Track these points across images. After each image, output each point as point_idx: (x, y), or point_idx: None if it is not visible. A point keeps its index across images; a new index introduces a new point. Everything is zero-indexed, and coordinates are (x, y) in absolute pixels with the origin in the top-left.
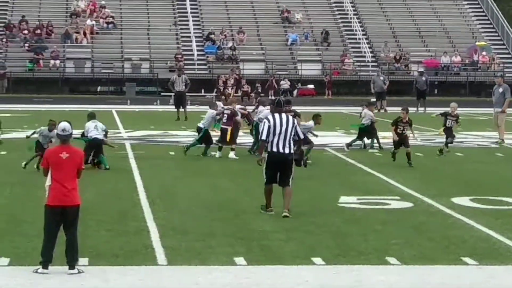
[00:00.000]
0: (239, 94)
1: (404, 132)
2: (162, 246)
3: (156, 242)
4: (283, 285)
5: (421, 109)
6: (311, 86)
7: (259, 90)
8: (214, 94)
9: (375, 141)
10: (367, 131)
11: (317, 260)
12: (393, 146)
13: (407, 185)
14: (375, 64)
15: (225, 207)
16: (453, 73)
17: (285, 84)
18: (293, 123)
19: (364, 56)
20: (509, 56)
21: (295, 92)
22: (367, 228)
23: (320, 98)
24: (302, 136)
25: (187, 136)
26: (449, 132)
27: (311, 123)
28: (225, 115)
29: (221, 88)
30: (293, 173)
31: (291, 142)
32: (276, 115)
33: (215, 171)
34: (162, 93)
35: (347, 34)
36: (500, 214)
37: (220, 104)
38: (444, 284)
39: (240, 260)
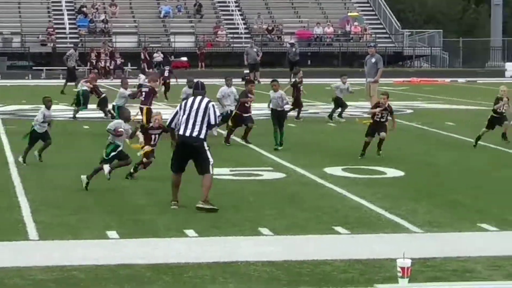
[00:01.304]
0: (112, 67)
1: (382, 119)
2: (34, 221)
3: (28, 217)
4: (156, 257)
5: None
6: (184, 58)
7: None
8: (87, 68)
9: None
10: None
11: (190, 232)
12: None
13: (279, 156)
14: (248, 36)
15: (98, 181)
16: (325, 43)
17: (158, 57)
18: (206, 107)
19: (237, 28)
20: (381, 26)
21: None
22: (240, 200)
23: (194, 70)
24: (213, 121)
25: (60, 110)
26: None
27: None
28: (143, 93)
29: (94, 61)
30: (210, 159)
31: (202, 126)
32: (190, 99)
33: (87, 145)
34: (33, 67)
35: (220, 6)
36: (371, 183)
37: (142, 77)
38: (317, 253)
39: (112, 233)
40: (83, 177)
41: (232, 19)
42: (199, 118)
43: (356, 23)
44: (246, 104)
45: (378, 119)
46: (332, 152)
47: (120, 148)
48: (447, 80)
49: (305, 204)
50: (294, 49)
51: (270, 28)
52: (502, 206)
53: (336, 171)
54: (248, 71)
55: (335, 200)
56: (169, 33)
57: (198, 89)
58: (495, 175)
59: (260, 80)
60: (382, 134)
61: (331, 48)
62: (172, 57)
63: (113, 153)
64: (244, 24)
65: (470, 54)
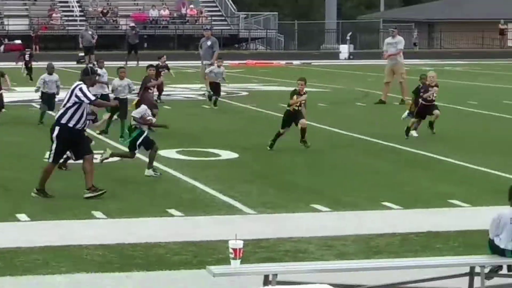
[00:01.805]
0: None
1: (299, 107)
2: None
3: None
4: None
5: (133, 63)
6: (18, 41)
7: None
8: None
9: None
10: None
11: (22, 216)
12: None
13: (115, 139)
14: (83, 18)
15: None
16: (161, 26)
17: None
18: (72, 90)
19: (72, 11)
20: (217, 9)
21: (1, 48)
22: (75, 183)
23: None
24: (87, 101)
25: None
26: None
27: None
28: None
29: None
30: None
31: (60, 109)
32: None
33: None
34: None
35: None
36: (205, 165)
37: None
38: (151, 236)
39: None
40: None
41: (67, 2)
42: (69, 104)
43: (191, 6)
44: (149, 90)
45: (297, 108)
46: (168, 135)
47: (145, 134)
48: (283, 62)
49: (139, 187)
50: (134, 32)
51: (105, 11)
52: (335, 187)
53: (171, 153)
54: (83, 54)
55: (169, 182)
56: (2, 16)
57: (87, 74)
58: (329, 155)
59: (95, 63)
60: (303, 121)
61: (167, 31)
62: (6, 40)
63: (140, 139)
64: (79, 7)
65: (305, 36)
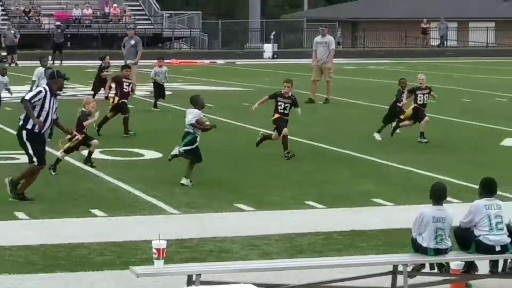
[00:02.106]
0: None
1: (285, 111)
2: None
3: None
4: None
5: (57, 62)
6: None
7: None
8: None
9: None
10: None
11: None
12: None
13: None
14: (6, 17)
15: None
16: (84, 25)
17: None
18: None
19: None
20: (141, 8)
21: None
22: None
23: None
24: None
25: None
26: (420, 112)
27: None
28: None
29: None
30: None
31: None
32: None
33: None
34: None
35: None
36: (129, 165)
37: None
38: (74, 236)
39: None
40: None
41: None
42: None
43: (115, 5)
44: (124, 90)
45: (282, 111)
46: (92, 135)
47: (197, 143)
48: (207, 61)
49: (62, 188)
50: (59, 30)
51: (27, 10)
52: (258, 186)
53: (94, 153)
54: (5, 53)
55: (92, 182)
56: None
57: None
58: (253, 155)
59: (18, 62)
60: (285, 130)
61: (90, 30)
62: None
63: (189, 147)
64: (1, 5)
65: (229, 35)
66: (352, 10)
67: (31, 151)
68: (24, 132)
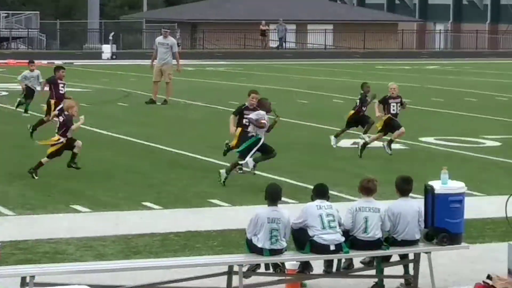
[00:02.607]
0: None
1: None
2: None
3: None
4: None
5: None
6: None
7: None
8: None
9: None
10: None
11: None
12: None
13: None
14: None
15: None
16: None
17: None
18: None
19: None
20: None
21: None
22: None
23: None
24: None
25: None
26: (394, 122)
27: None
28: None
29: None
30: None
31: None
32: None
33: None
34: None
35: None
36: None
37: None
38: None
39: None
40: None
41: None
42: None
43: None
44: (60, 91)
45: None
46: None
47: (262, 141)
48: (44, 62)
49: None
50: None
51: None
52: (95, 187)
53: None
54: None
55: None
56: None
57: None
58: (90, 156)
59: None
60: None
61: None
62: None
63: (254, 148)
64: None
65: (67, 36)
66: (192, 11)
67: None
68: None
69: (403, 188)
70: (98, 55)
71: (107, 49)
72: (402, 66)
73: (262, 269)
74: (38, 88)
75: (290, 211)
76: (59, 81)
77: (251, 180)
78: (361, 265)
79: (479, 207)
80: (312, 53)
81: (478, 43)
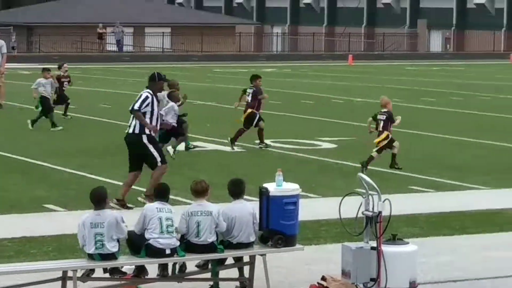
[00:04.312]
0: None
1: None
2: None
3: None
4: None
5: None
6: None
7: None
8: None
9: None
10: None
11: None
12: None
13: None
14: None
15: None
16: None
17: None
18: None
19: None
20: None
21: None
22: None
23: None
24: (131, 107)
25: None
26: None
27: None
28: None
29: None
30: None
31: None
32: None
33: None
34: None
35: None
36: None
37: None
38: None
39: None
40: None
41: None
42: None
43: None
44: None
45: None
46: None
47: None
48: None
49: None
50: None
51: None
52: None
53: None
54: None
55: None
56: None
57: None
58: None
59: None
60: None
61: None
62: None
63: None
64: None
65: None
66: (28, 14)
67: (154, 152)
68: (144, 136)
69: (234, 191)
70: None
71: None
72: (239, 69)
73: (98, 274)
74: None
75: (132, 216)
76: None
77: (86, 184)
78: (196, 269)
79: (314, 208)
80: (150, 56)
81: (315, 46)
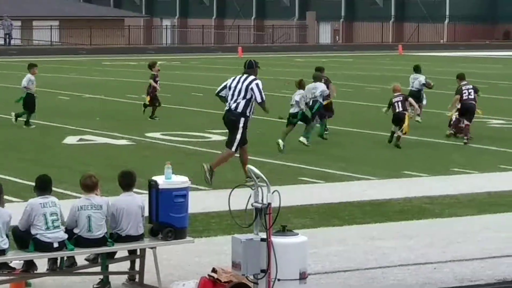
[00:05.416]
0: None
1: None
2: None
3: None
4: None
5: None
6: None
7: None
8: None
9: None
10: None
11: None
12: None
13: None
14: None
15: None
16: None
17: None
18: (248, 83)
19: None
20: None
21: None
22: None
23: None
24: (259, 99)
25: None
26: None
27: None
28: None
29: None
30: (237, 137)
31: (239, 100)
32: (238, 76)
33: None
34: None
35: None
36: None
37: None
38: None
39: None
40: None
41: None
42: (241, 95)
43: None
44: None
45: None
46: None
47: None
48: None
49: None
50: None
51: None
52: None
53: None
54: None
55: None
56: None
57: (246, 68)
58: None
59: None
60: None
61: None
62: None
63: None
64: None
65: None
66: None
67: (239, 137)
68: (242, 119)
69: (124, 182)
70: None
71: None
72: (129, 62)
73: None
74: None
75: (16, 210)
76: None
77: None
78: (86, 263)
79: (204, 201)
80: (39, 50)
81: (204, 38)
